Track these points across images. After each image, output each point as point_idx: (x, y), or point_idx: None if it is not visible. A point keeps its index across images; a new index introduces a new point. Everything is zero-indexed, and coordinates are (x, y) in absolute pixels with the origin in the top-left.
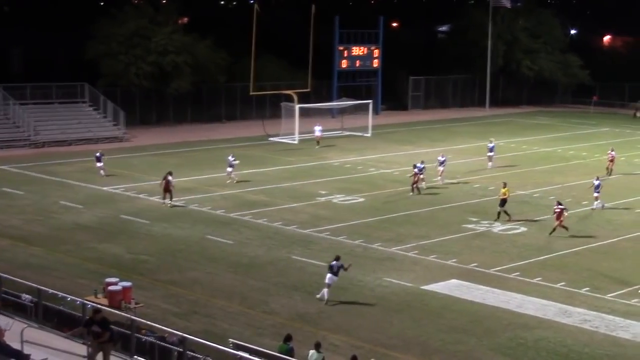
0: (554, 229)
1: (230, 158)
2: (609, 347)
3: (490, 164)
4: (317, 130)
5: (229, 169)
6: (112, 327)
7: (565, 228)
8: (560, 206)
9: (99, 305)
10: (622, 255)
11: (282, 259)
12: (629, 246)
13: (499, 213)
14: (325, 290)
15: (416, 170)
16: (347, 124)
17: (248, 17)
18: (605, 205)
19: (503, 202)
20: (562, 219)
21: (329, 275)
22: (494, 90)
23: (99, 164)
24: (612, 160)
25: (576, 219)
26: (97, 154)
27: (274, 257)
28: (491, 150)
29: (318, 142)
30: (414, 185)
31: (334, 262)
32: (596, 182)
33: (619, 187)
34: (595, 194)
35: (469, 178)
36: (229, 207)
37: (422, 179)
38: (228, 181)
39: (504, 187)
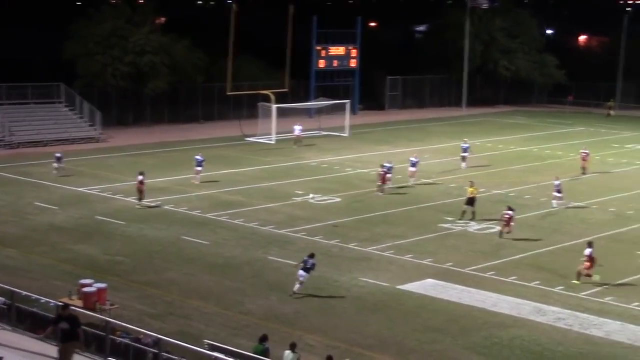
0: (502, 233)
1: (198, 157)
2: (582, 345)
3: (464, 164)
4: (297, 130)
5: (198, 169)
6: (86, 328)
7: (501, 234)
8: (510, 212)
9: (67, 301)
10: (596, 254)
11: (259, 259)
12: (602, 245)
13: (472, 212)
14: (297, 286)
15: (384, 169)
16: (324, 124)
17: (225, 17)
18: (556, 205)
19: (470, 200)
20: (511, 224)
21: (300, 271)
22: (470, 90)
23: (56, 164)
24: (585, 159)
25: (550, 218)
26: (58, 154)
27: (250, 258)
28: (465, 150)
29: (298, 141)
30: (380, 185)
31: (308, 259)
32: (556, 182)
33: (593, 186)
34: (558, 194)
35: (445, 178)
36: (205, 208)
37: (389, 179)
38: (197, 182)
39: (471, 186)
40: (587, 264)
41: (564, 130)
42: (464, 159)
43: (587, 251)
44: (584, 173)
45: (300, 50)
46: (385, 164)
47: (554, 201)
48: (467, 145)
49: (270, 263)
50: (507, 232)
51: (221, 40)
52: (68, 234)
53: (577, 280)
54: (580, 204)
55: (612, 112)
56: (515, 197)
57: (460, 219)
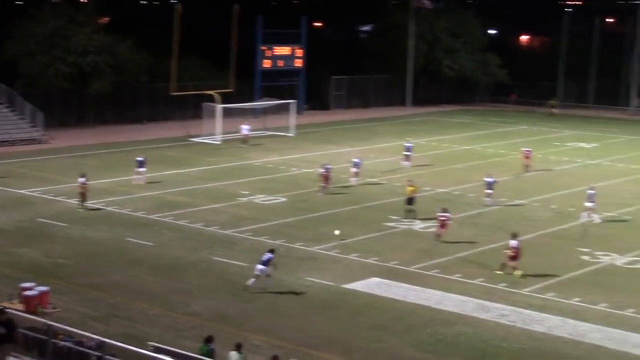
0: (439, 236)
1: (139, 158)
2: (525, 340)
3: (407, 163)
4: (244, 129)
5: (141, 169)
6: (27, 332)
7: (438, 237)
8: (446, 214)
9: (7, 305)
10: (538, 251)
11: (204, 260)
12: (545, 242)
13: (410, 211)
14: (252, 280)
15: (325, 170)
16: (269, 124)
17: (170, 17)
18: (493, 202)
19: (410, 200)
20: (445, 228)
21: (258, 266)
22: (415, 90)
23: None
24: (527, 157)
25: (494, 215)
26: None
27: (196, 259)
28: (408, 149)
29: (245, 141)
30: (323, 185)
31: (267, 254)
32: (489, 180)
33: (535, 184)
34: (488, 191)
35: (391, 177)
36: (149, 209)
37: (329, 179)
38: (142, 183)
39: (410, 186)
40: (512, 255)
41: (506, 129)
42: (407, 158)
43: (513, 243)
44: (526, 171)
45: (246, 50)
46: (326, 165)
47: (486, 199)
48: (410, 144)
49: (215, 264)
50: (438, 235)
51: (165, 40)
52: (9, 236)
53: (501, 271)
54: (522, 201)
55: (555, 111)
56: (460, 195)
57: (404, 218)
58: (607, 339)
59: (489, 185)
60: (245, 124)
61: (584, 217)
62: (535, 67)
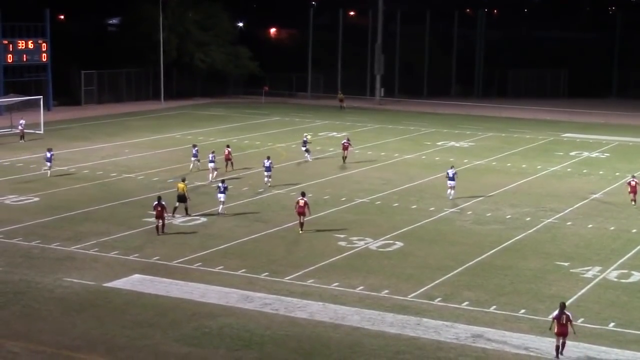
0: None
1: None
2: (288, 327)
3: (308, 155)
4: (23, 124)
5: None
6: None
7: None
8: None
9: None
10: (297, 239)
11: None
12: (303, 229)
13: (185, 208)
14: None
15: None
16: (17, 121)
17: None
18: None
19: (180, 197)
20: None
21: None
22: (168, 83)
23: None
24: (346, 148)
25: (253, 206)
26: None
27: None
28: (305, 144)
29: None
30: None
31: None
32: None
33: (291, 174)
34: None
35: (147, 172)
36: None
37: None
38: None
39: (182, 182)
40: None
41: (260, 121)
42: (307, 151)
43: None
44: (345, 162)
45: None
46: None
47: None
48: (306, 139)
49: None
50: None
51: None
52: None
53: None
54: (280, 191)
55: (344, 105)
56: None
57: (172, 214)
58: (365, 320)
59: (268, 170)
60: (22, 119)
61: (450, 195)
62: (285, 59)
